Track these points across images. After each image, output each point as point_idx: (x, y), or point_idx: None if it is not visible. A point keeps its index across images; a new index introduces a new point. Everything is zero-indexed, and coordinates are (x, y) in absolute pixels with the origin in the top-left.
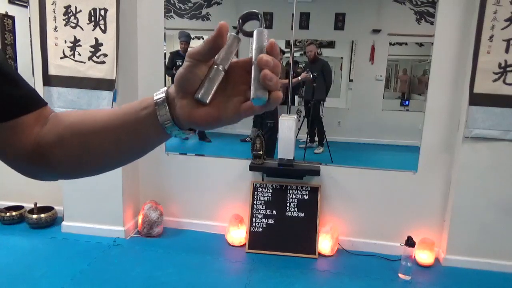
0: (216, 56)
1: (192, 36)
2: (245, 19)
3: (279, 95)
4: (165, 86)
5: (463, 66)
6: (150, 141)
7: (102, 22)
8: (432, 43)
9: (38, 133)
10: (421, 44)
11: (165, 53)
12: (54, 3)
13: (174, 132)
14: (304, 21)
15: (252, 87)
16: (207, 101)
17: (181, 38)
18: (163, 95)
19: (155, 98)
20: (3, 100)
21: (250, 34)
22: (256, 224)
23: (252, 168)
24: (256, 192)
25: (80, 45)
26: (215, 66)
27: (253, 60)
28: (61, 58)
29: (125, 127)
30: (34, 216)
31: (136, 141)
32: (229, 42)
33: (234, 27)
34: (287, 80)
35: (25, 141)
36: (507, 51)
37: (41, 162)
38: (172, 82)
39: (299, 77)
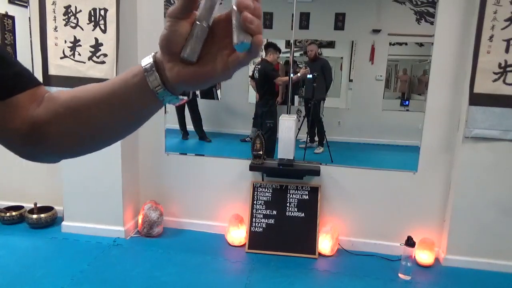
0: (197, 13)
1: None
2: None
3: (261, 39)
4: None
5: (463, 66)
6: (144, 110)
7: (102, 22)
8: (432, 43)
9: (33, 112)
10: (421, 44)
11: None
12: (54, 3)
13: (167, 98)
14: (304, 21)
15: (234, 33)
16: (194, 59)
17: None
18: (151, 60)
19: (143, 64)
20: None
21: None
22: (256, 224)
23: (252, 168)
24: (256, 192)
25: (80, 45)
26: (198, 23)
27: (232, 5)
28: (61, 58)
29: (117, 97)
30: (34, 216)
31: (130, 111)
32: None
33: None
34: (287, 78)
35: (20, 121)
36: (507, 51)
37: (38, 142)
38: None
39: (298, 74)
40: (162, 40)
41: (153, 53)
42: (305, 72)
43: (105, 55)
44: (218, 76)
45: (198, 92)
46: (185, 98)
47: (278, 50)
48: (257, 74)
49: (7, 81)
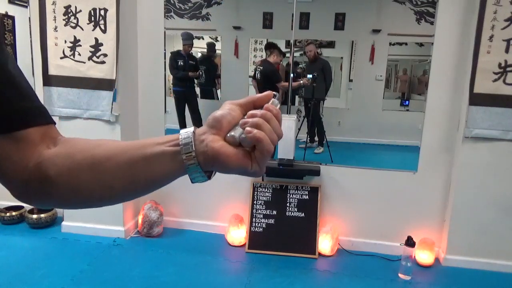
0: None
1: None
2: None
3: (254, 136)
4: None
5: (463, 66)
6: (164, 178)
7: (102, 22)
8: (432, 43)
9: (43, 152)
10: (421, 44)
11: (165, 53)
12: (54, 3)
13: (192, 168)
14: (304, 21)
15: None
16: (238, 140)
17: (185, 40)
18: (191, 130)
19: (181, 133)
20: (10, 110)
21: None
22: (256, 224)
23: None
24: (256, 192)
25: (80, 45)
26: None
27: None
28: (61, 58)
29: (141, 157)
30: (34, 216)
31: (149, 174)
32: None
33: (234, 27)
34: (286, 83)
35: (28, 158)
36: (507, 51)
37: (41, 185)
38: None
39: (301, 82)
40: (217, 116)
41: (192, 128)
42: (306, 83)
43: (105, 55)
44: (250, 171)
45: (198, 92)
46: (208, 177)
47: (283, 54)
48: (258, 75)
49: (23, 114)
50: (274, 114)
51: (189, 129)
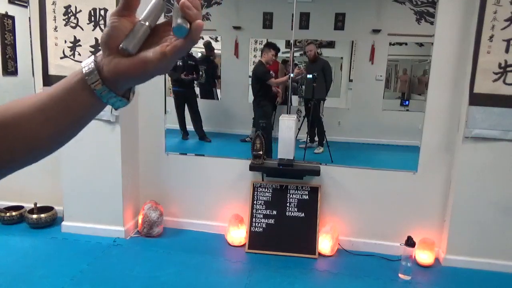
0: (143, 15)
1: None
2: None
3: (200, 24)
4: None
5: (463, 66)
6: (83, 112)
7: (102, 22)
8: (432, 43)
9: None
10: (421, 44)
11: None
12: (54, 3)
13: (106, 96)
14: (304, 21)
15: (173, 19)
16: (133, 51)
17: None
18: (91, 59)
19: (83, 64)
20: None
21: None
22: (256, 224)
23: (252, 168)
24: (256, 192)
25: (80, 45)
26: (139, 22)
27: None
28: (61, 58)
29: (55, 101)
30: (34, 216)
31: (68, 115)
32: (154, 2)
33: (234, 27)
34: (281, 79)
35: None
36: (507, 51)
37: None
38: (172, 82)
39: (291, 74)
40: (103, 36)
41: (93, 55)
42: (299, 72)
43: None
44: (155, 65)
45: (198, 92)
46: (126, 99)
47: (272, 47)
48: (252, 76)
49: None
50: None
51: (90, 59)
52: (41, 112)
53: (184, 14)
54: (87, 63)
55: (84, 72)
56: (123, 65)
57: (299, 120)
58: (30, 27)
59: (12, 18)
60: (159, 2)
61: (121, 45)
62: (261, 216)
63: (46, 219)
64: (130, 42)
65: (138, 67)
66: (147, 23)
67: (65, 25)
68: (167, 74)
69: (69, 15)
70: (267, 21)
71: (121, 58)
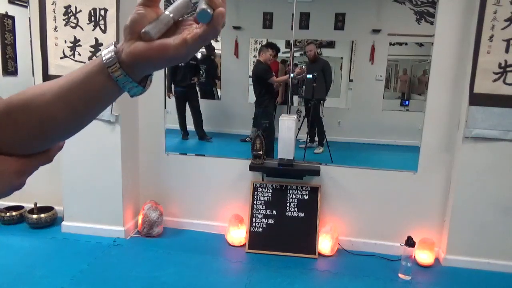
0: (170, 7)
1: None
2: None
3: (222, 11)
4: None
5: (463, 66)
6: (98, 96)
7: (102, 22)
8: (432, 43)
9: None
10: (421, 44)
11: None
12: (54, 3)
13: (122, 80)
14: (304, 21)
15: (198, 6)
16: (154, 36)
17: None
18: (111, 44)
19: (102, 48)
20: None
21: None
22: (256, 224)
23: (252, 168)
24: (256, 192)
25: (80, 45)
26: (165, 12)
27: None
28: (61, 58)
29: (73, 85)
30: (34, 216)
31: (86, 100)
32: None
33: (234, 27)
34: (282, 77)
35: None
36: (507, 51)
37: None
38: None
39: (292, 74)
40: (127, 23)
41: (113, 42)
42: (299, 72)
43: None
44: (175, 49)
45: (198, 91)
46: (143, 84)
47: (270, 47)
48: (252, 77)
49: None
50: None
51: (109, 45)
52: (60, 96)
53: (209, 1)
54: (107, 47)
55: (103, 55)
56: (143, 47)
57: (299, 120)
58: (30, 27)
59: (12, 18)
60: (186, 0)
61: (143, 30)
62: (261, 216)
63: (46, 219)
64: (154, 27)
65: (157, 50)
66: (171, 15)
67: (65, 25)
68: (166, 80)
69: (69, 15)
70: (267, 21)
71: (141, 42)
